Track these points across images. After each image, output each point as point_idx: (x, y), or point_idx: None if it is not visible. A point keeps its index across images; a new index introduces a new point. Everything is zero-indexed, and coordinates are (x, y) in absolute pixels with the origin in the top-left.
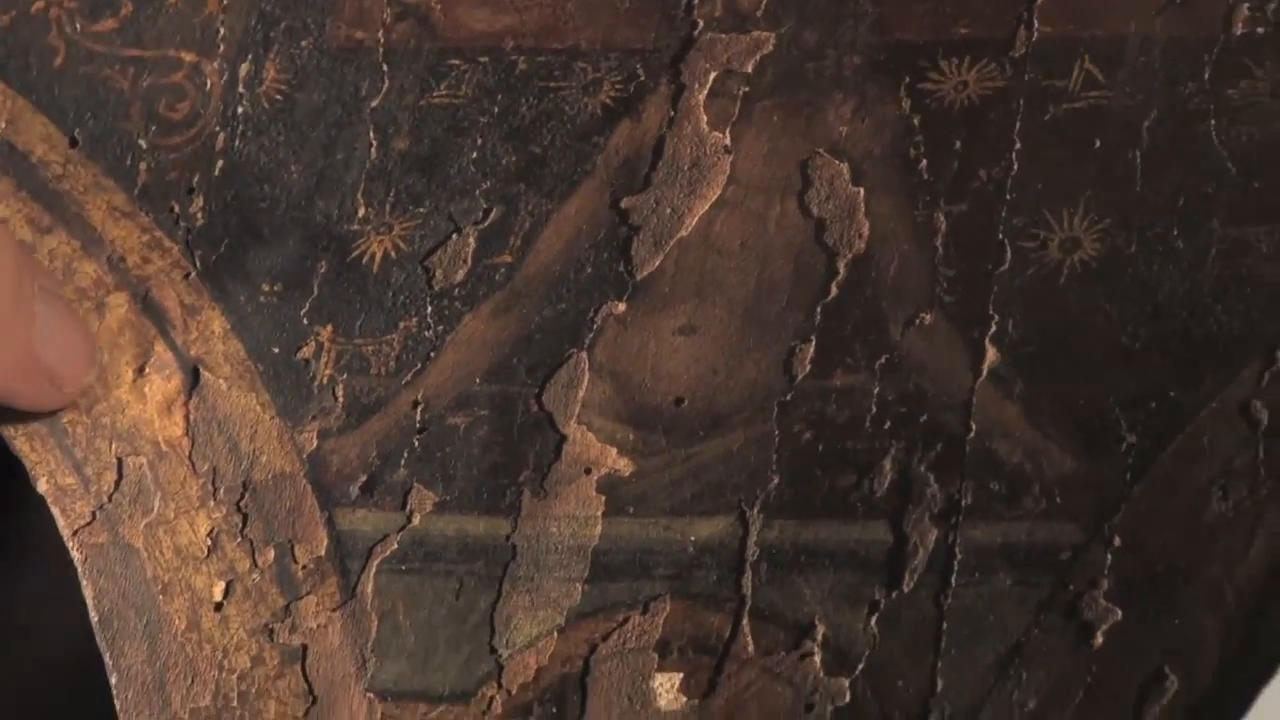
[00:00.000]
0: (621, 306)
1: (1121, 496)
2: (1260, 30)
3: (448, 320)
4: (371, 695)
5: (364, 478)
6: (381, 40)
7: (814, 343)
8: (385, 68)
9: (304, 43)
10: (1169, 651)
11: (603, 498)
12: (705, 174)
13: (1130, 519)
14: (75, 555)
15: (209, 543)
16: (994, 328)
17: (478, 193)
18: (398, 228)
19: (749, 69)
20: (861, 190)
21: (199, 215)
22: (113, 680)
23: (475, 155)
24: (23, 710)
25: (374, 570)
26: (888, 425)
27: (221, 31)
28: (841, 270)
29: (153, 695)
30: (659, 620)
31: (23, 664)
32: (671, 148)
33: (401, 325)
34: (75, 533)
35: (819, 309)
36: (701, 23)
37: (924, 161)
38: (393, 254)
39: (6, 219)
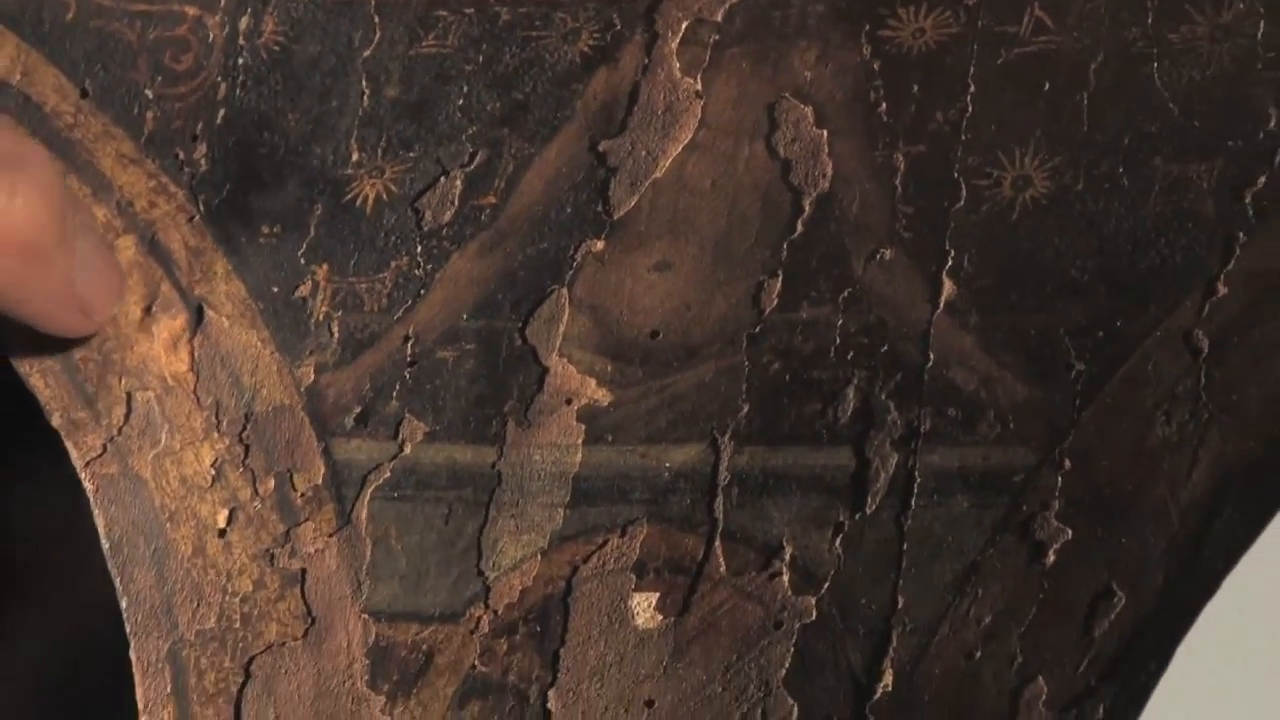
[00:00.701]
0: (600, 244)
1: (1071, 422)
2: None
3: (436, 259)
4: (366, 616)
5: (358, 409)
6: None
7: (781, 278)
8: (376, 19)
9: None
10: (1116, 569)
11: (583, 426)
12: (678, 118)
13: (1079, 443)
14: (87, 486)
15: (213, 472)
16: (950, 262)
17: (464, 138)
18: (389, 171)
19: (719, 18)
20: (825, 132)
21: (202, 161)
22: (123, 604)
23: (462, 102)
24: (42, 634)
25: (368, 497)
26: (850, 355)
27: None
28: (807, 208)
29: (161, 618)
30: (636, 543)
31: (40, 594)
32: (646, 93)
33: (393, 264)
34: (87, 464)
35: (785, 245)
36: None
37: (884, 105)
38: (384, 196)
39: (51, 156)
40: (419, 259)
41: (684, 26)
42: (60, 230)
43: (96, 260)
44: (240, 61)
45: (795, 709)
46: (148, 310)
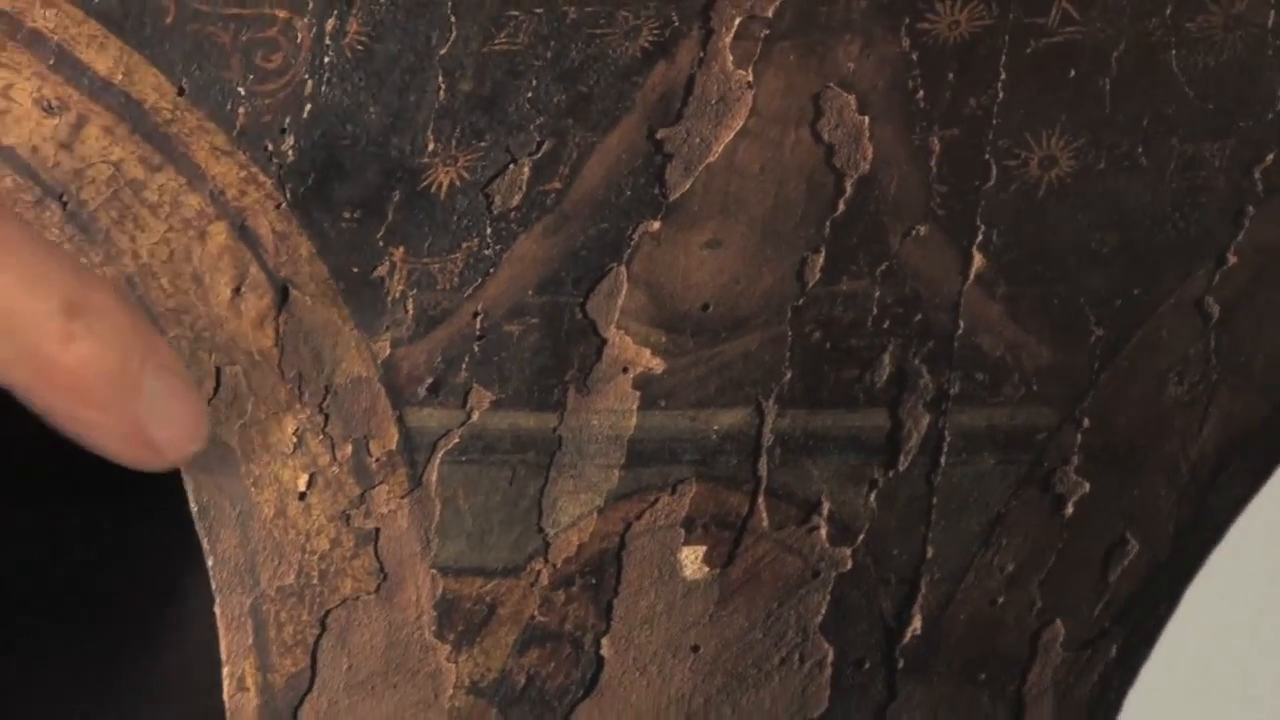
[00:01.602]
0: (656, 225)
1: (1090, 383)
2: None
3: (505, 240)
4: (434, 571)
5: (430, 380)
6: None
7: (823, 253)
8: (453, 19)
9: None
10: (1131, 519)
11: (638, 393)
12: (730, 107)
13: (1098, 403)
14: None
15: (295, 440)
16: (980, 237)
17: (532, 128)
18: (462, 160)
19: (769, 14)
20: (866, 118)
21: (289, 152)
22: (209, 563)
23: (530, 95)
24: (132, 592)
25: (438, 461)
26: (887, 324)
27: None
28: (848, 189)
29: (244, 575)
30: (685, 500)
31: (131, 554)
32: (701, 85)
33: (464, 245)
34: None
35: (828, 224)
36: None
37: (921, 92)
38: (458, 183)
39: (126, 301)
40: (489, 240)
41: (737, 22)
42: (121, 375)
43: (169, 402)
44: (326, 60)
45: (830, 652)
46: (236, 291)
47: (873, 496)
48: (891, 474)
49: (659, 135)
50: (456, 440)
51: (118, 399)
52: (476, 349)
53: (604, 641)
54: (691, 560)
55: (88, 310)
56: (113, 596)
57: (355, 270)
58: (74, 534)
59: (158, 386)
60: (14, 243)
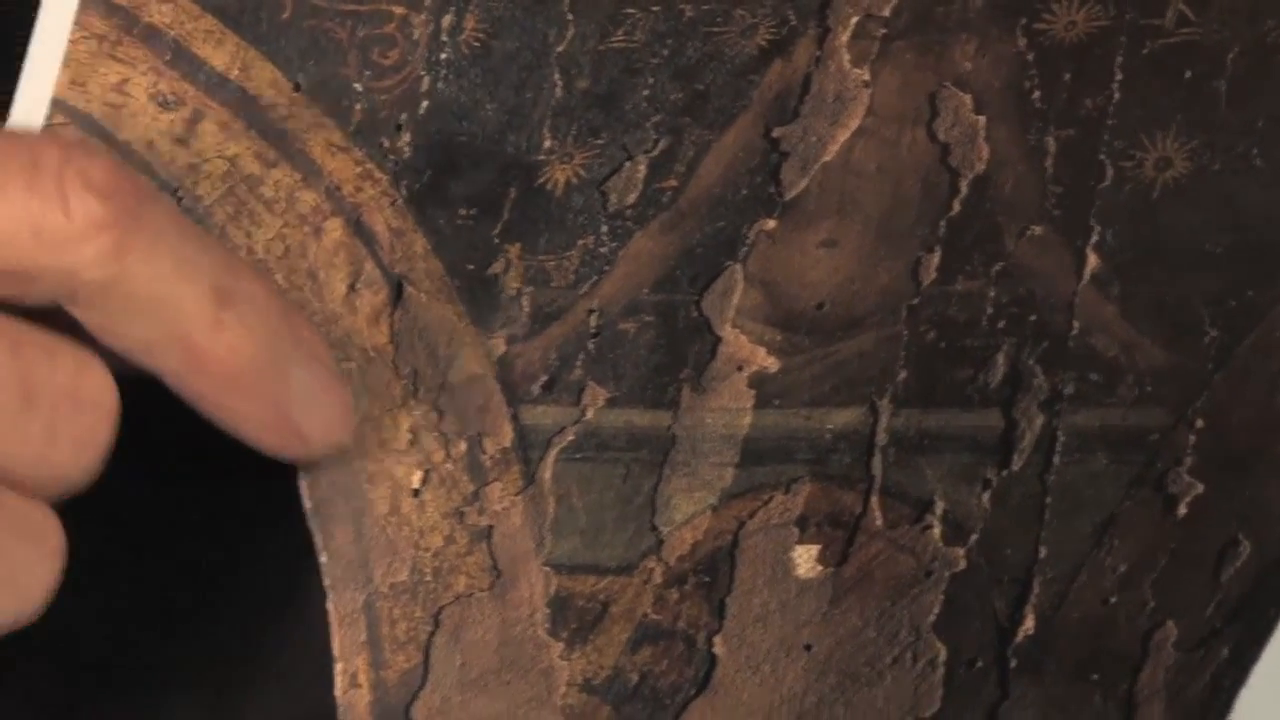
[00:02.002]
0: (772, 223)
1: (1204, 384)
2: None
3: (620, 238)
4: (548, 569)
5: (545, 378)
6: None
7: (938, 253)
8: (570, 17)
9: None
10: (1243, 520)
11: (752, 392)
12: (846, 106)
13: (1211, 403)
14: None
15: (409, 437)
16: (1095, 237)
17: (648, 125)
18: (578, 157)
19: (886, 13)
20: (982, 118)
21: (405, 149)
22: (322, 559)
23: (647, 93)
24: (245, 588)
25: (552, 459)
26: (1001, 324)
27: None
28: (963, 189)
29: (357, 572)
30: (799, 499)
31: (244, 551)
32: (818, 84)
33: (580, 243)
34: None
35: (943, 223)
36: None
37: (1037, 92)
38: (574, 180)
39: (275, 290)
40: (604, 238)
41: (853, 22)
42: (270, 362)
43: (317, 391)
44: (443, 56)
45: (943, 651)
46: (351, 287)
47: (986, 496)
48: (1005, 473)
49: (775, 134)
50: (571, 438)
51: (266, 388)
52: (591, 346)
53: (717, 640)
54: (805, 559)
55: (238, 298)
56: (225, 592)
57: (470, 267)
58: (188, 527)
59: (306, 376)
60: (164, 229)
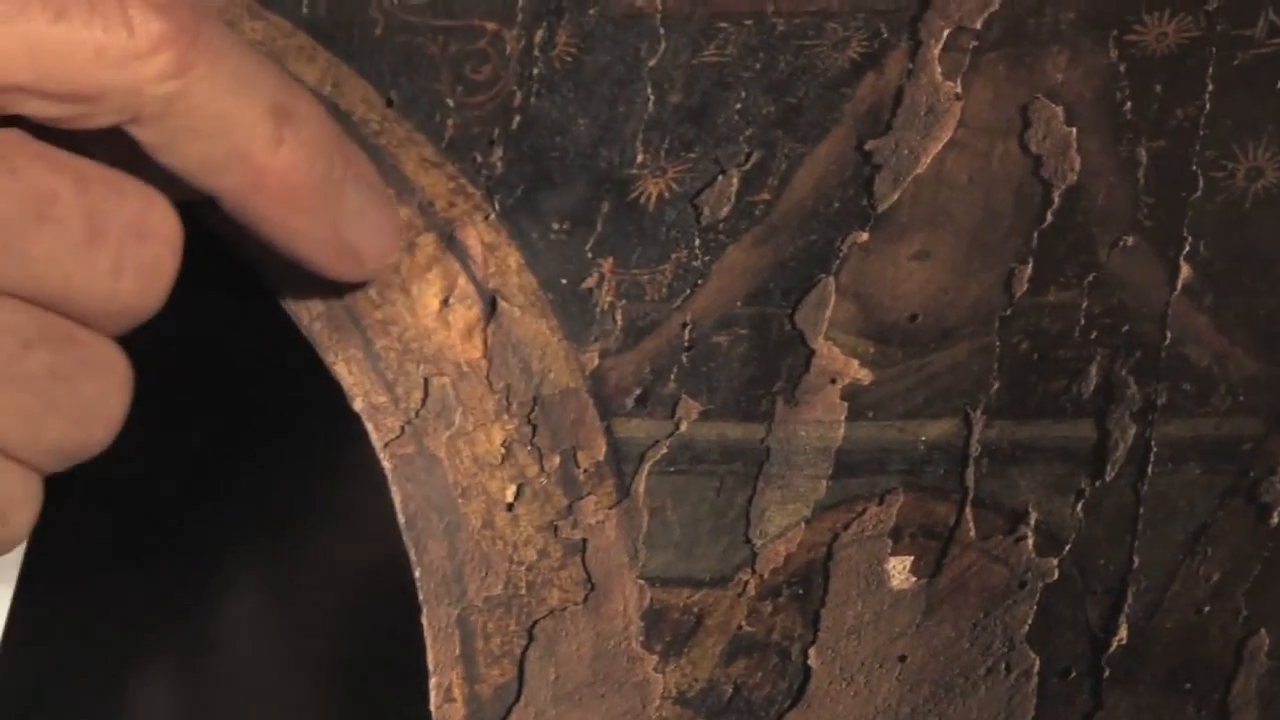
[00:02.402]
0: (865, 236)
1: None
2: None
3: (713, 251)
4: (642, 582)
5: (638, 391)
6: (659, 8)
7: (1031, 264)
8: (662, 32)
9: (591, 11)
10: None
11: (845, 404)
12: (939, 118)
13: None
14: (386, 465)
15: (503, 451)
16: (1188, 248)
17: (741, 139)
18: (671, 171)
19: (978, 25)
20: (1074, 130)
21: (498, 164)
22: (416, 574)
23: (739, 106)
24: (339, 602)
25: (646, 472)
26: (1094, 335)
27: (520, 3)
28: (1056, 200)
29: (451, 586)
30: (893, 510)
31: (339, 565)
32: (910, 96)
33: (673, 256)
34: (386, 445)
35: (1036, 234)
36: None
37: (1128, 104)
38: (666, 194)
39: (325, 110)
40: (697, 251)
41: (945, 34)
42: (327, 180)
43: (370, 211)
44: (535, 71)
45: (1037, 662)
46: (445, 302)
47: (1079, 506)
48: (1098, 484)
49: (868, 146)
50: (664, 451)
51: (323, 206)
52: (685, 360)
53: (811, 651)
54: (899, 570)
55: (295, 116)
56: (313, 604)
57: (564, 281)
58: (273, 541)
59: (358, 196)
60: (222, 48)
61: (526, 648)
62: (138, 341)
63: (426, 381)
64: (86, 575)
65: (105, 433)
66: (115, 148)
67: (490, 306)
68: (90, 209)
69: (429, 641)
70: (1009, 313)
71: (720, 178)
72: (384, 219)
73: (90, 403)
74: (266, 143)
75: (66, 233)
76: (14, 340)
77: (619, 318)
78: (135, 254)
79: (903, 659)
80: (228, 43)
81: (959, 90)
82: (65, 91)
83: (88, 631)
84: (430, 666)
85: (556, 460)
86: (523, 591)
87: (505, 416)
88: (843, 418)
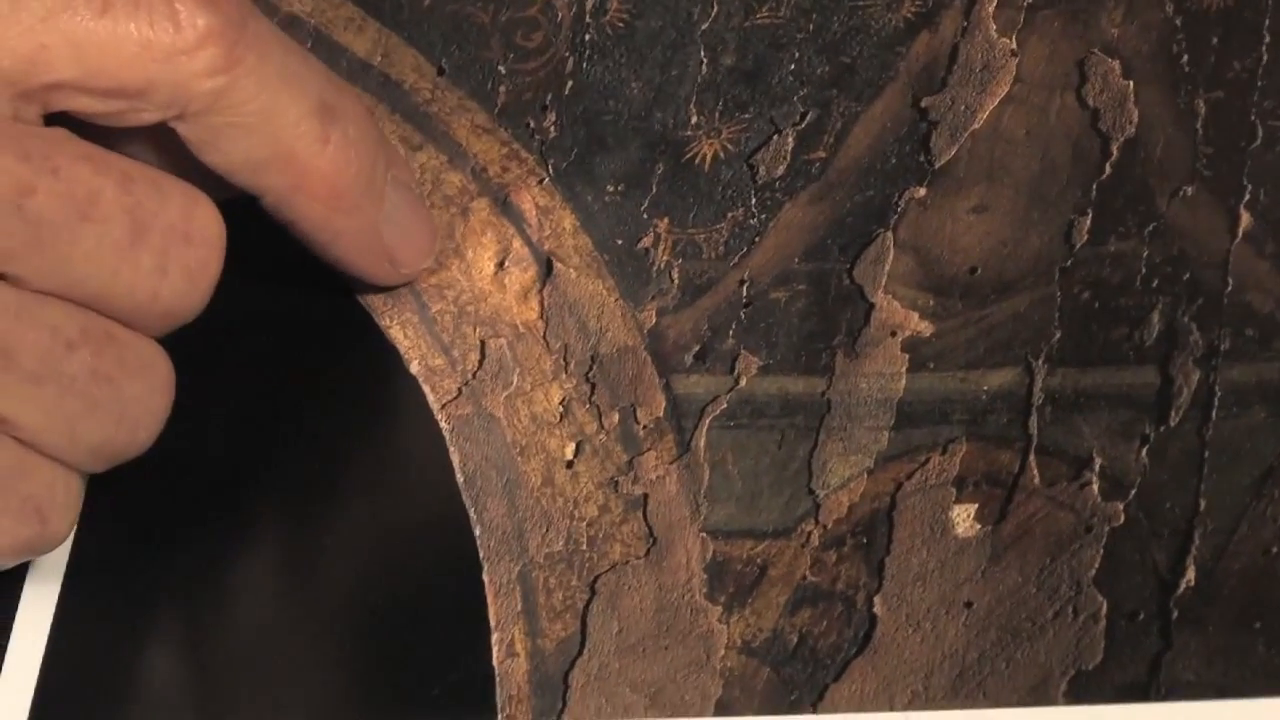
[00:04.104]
0: (922, 191)
1: None
2: None
3: (770, 209)
4: (704, 535)
5: (697, 348)
6: None
7: (1090, 215)
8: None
9: None
10: None
11: (906, 356)
12: (994, 75)
13: None
14: (444, 426)
15: (561, 409)
16: (1247, 196)
17: (795, 99)
18: (726, 132)
19: None
20: (1131, 83)
21: (551, 129)
22: (476, 532)
23: (793, 67)
24: (399, 560)
25: (706, 427)
26: (1155, 284)
27: None
28: (1114, 152)
29: (512, 543)
30: (956, 459)
31: (398, 524)
32: (965, 53)
33: (729, 215)
34: (443, 406)
35: (1094, 186)
36: None
37: (1185, 56)
38: (721, 155)
39: (370, 110)
40: (754, 210)
41: None
42: (369, 181)
43: (407, 215)
44: (587, 38)
45: (1105, 605)
46: (500, 265)
47: (1144, 452)
48: (1163, 429)
49: (924, 104)
50: (724, 406)
51: (364, 207)
52: (743, 316)
53: (876, 599)
54: (963, 518)
55: (341, 115)
56: (381, 562)
57: (619, 242)
58: (331, 502)
59: (397, 199)
60: (269, 44)
61: (589, 602)
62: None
63: (483, 344)
64: (141, 546)
65: (147, 434)
66: (159, 148)
67: (546, 268)
68: (133, 209)
69: (490, 598)
70: (1069, 264)
71: (775, 137)
72: (421, 224)
73: (132, 403)
74: (312, 141)
75: (109, 232)
76: (56, 341)
77: (675, 276)
78: (179, 255)
79: (969, 605)
80: (274, 39)
81: (1014, 46)
82: (110, 87)
83: (143, 600)
84: (492, 622)
85: (616, 417)
86: (584, 547)
87: (563, 375)
88: (904, 369)
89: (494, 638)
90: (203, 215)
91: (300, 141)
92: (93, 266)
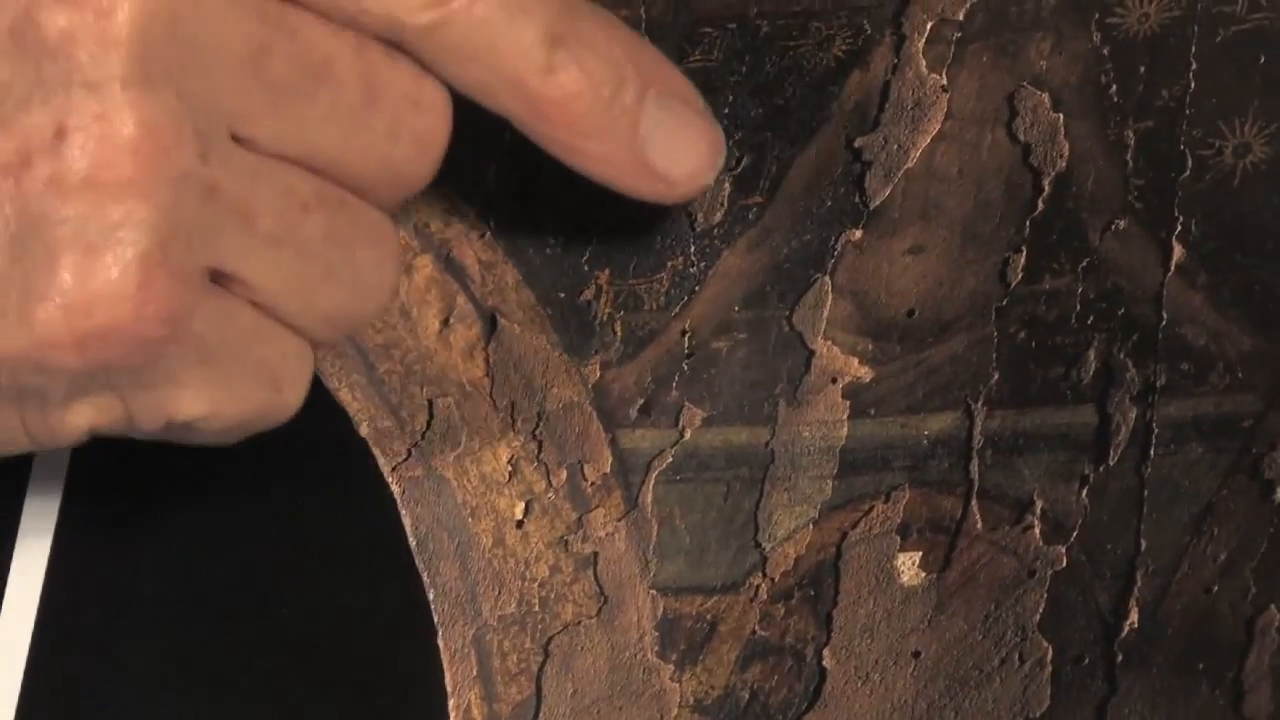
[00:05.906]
0: (858, 233)
1: None
2: None
3: (709, 257)
4: (654, 592)
5: (641, 401)
6: (643, 15)
7: (1024, 253)
8: (646, 38)
9: None
10: None
11: (847, 403)
12: (926, 112)
13: None
14: (394, 489)
15: (509, 468)
16: (1179, 227)
17: (731, 143)
18: None
19: (960, 16)
20: (1061, 116)
21: (491, 181)
22: (430, 595)
23: (727, 110)
24: (354, 628)
25: (653, 482)
26: (1090, 320)
27: None
28: (1046, 187)
29: (465, 606)
30: (900, 507)
31: (352, 592)
32: (896, 91)
33: (669, 265)
34: (394, 469)
35: (1028, 223)
36: None
37: (1113, 86)
38: (660, 203)
39: (620, 30)
40: (693, 258)
41: (929, 27)
42: (609, 106)
43: (675, 131)
44: None
45: (1050, 650)
46: (445, 323)
47: (1084, 492)
48: (1102, 469)
49: (857, 144)
50: (670, 459)
51: (611, 130)
52: (686, 367)
53: (825, 652)
54: (908, 566)
55: (572, 40)
56: (329, 631)
57: (562, 295)
58: (286, 571)
59: (661, 116)
60: None
61: (543, 664)
62: None
63: (430, 403)
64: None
65: (375, 304)
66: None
67: (490, 325)
68: (367, 74)
69: (446, 663)
70: (1005, 302)
71: (712, 184)
72: (695, 139)
73: (365, 271)
74: (537, 69)
75: (344, 96)
76: (292, 203)
77: (618, 329)
78: (410, 121)
79: (917, 655)
80: None
81: (944, 82)
82: (325, 7)
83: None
84: (449, 687)
85: (564, 475)
86: (536, 608)
87: (510, 434)
88: (845, 416)
89: (451, 703)
90: (432, 87)
91: (525, 71)
92: (327, 130)
